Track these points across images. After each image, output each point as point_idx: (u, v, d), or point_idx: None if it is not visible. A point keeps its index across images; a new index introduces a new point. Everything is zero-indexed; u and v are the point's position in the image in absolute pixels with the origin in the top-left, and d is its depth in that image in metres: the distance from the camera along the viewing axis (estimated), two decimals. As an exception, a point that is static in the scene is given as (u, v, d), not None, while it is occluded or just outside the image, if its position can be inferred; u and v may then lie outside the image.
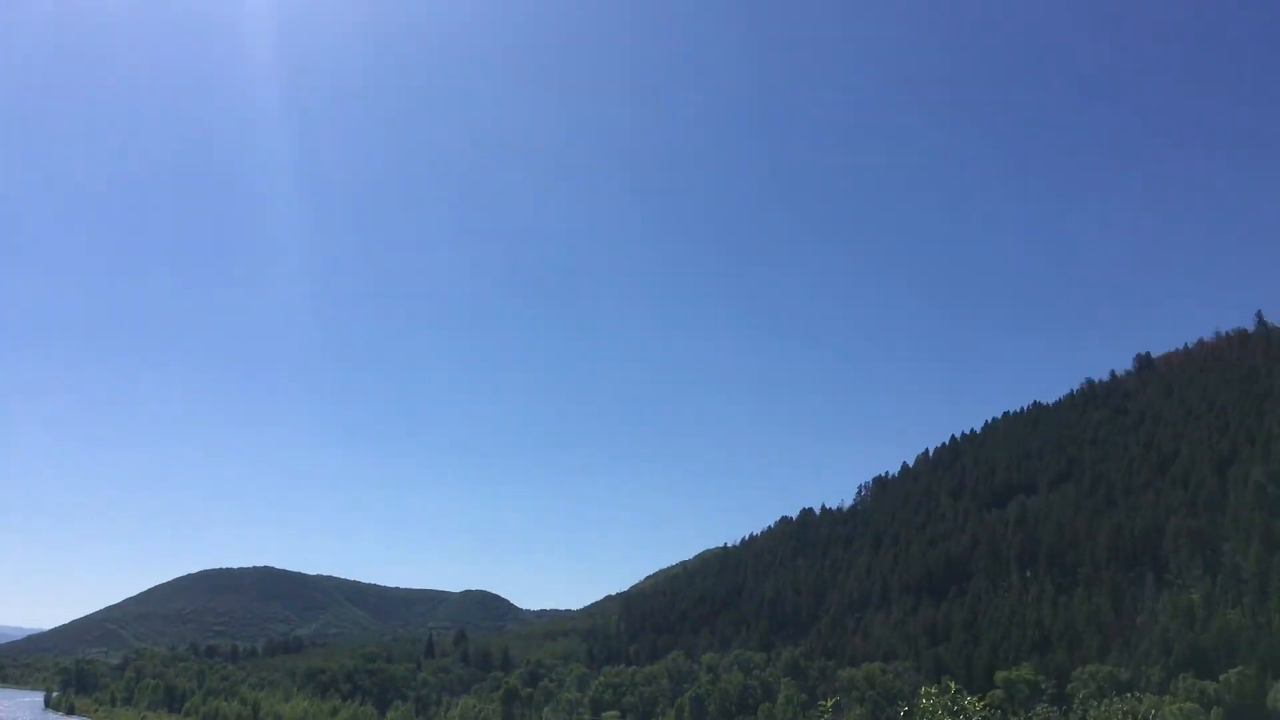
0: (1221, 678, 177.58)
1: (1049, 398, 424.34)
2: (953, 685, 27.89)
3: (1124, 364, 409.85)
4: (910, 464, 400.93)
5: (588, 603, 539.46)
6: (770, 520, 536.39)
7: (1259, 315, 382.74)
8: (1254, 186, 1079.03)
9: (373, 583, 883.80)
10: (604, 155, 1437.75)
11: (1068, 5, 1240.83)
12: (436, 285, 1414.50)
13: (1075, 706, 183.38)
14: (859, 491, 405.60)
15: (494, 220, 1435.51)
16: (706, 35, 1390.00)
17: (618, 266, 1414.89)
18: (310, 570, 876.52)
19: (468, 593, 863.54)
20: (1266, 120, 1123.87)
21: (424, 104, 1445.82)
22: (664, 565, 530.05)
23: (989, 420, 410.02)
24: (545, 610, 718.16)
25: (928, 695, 27.66)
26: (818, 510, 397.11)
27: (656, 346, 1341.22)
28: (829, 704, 34.58)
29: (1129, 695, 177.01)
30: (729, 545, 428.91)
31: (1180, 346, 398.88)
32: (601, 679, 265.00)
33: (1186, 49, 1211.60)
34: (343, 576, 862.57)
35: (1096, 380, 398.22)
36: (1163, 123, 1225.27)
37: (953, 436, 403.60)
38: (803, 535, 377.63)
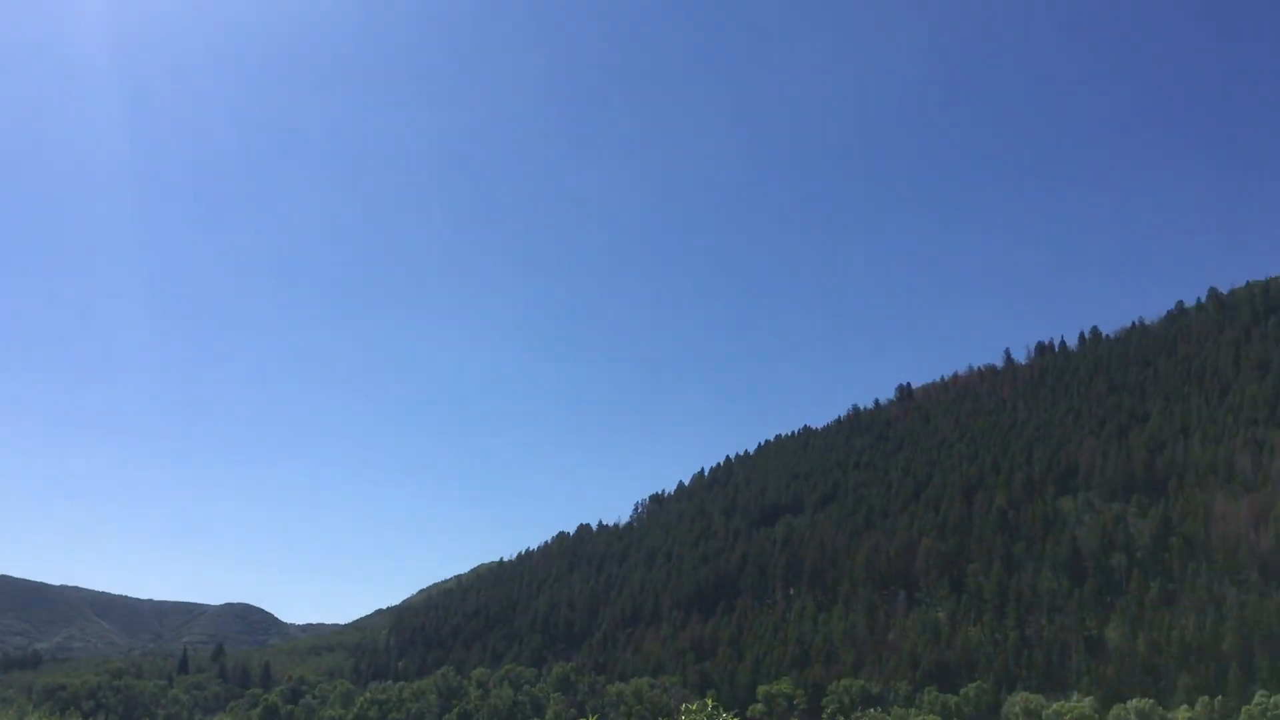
0: (962, 691, 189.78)
1: (819, 422, 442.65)
2: (710, 700, 28.51)
3: (888, 393, 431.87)
4: (686, 482, 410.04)
5: (356, 616, 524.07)
6: (547, 535, 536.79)
7: (1006, 353, 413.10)
8: (1001, 236, 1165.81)
9: (122, 594, 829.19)
10: (405, 157, 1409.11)
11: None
12: (223, 282, 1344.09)
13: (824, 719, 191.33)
14: (636, 508, 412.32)
15: (285, 216, 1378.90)
16: (505, 38, 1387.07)
17: (410, 271, 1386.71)
18: (53, 580, 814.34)
19: (227, 605, 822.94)
20: (1014, 182, 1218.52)
21: (269, 90, 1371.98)
22: (438, 579, 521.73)
23: (762, 442, 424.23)
24: (311, 624, 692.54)
25: (688, 712, 28.21)
26: (594, 526, 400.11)
27: (434, 354, 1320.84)
28: (593, 720, 34.71)
29: (875, 709, 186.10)
30: (505, 560, 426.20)
31: (938, 379, 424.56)
32: (367, 695, 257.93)
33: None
34: (88, 587, 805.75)
35: (862, 407, 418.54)
36: (922, 172, 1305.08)
37: (728, 457, 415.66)
38: (579, 550, 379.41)
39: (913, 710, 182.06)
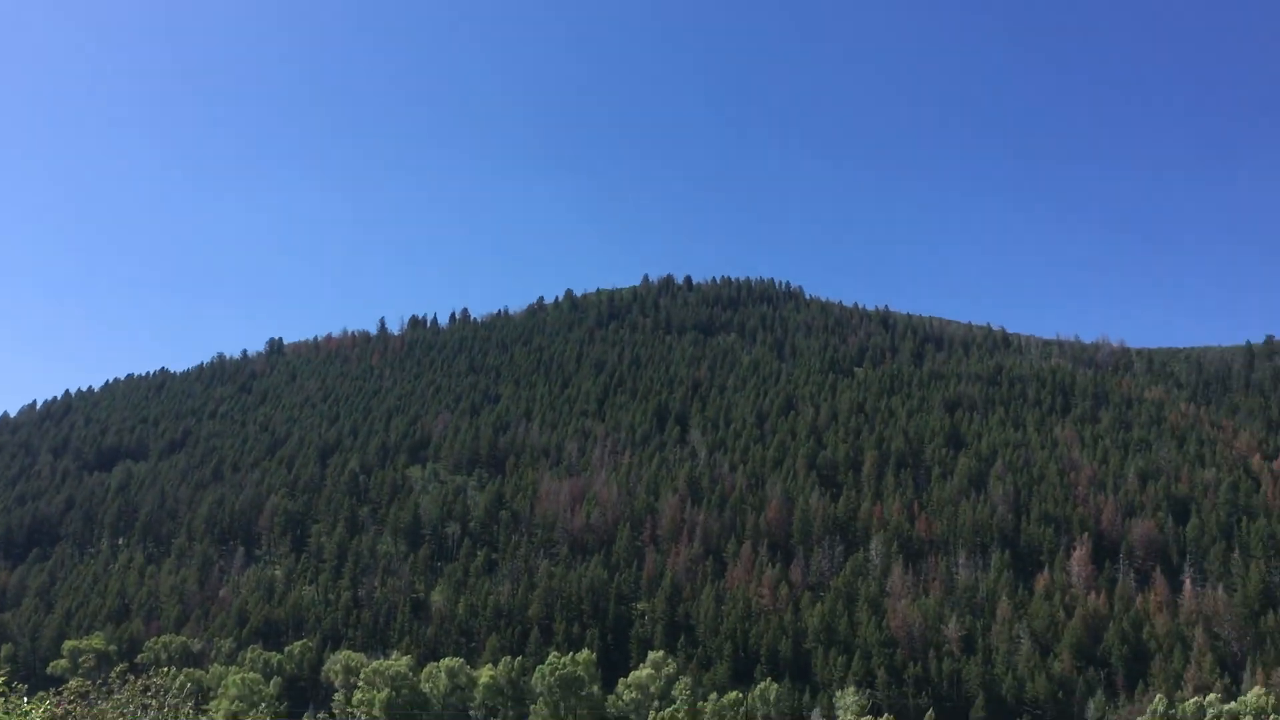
0: (286, 649, 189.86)
1: (179, 366, 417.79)
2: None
3: (257, 345, 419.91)
4: (13, 414, 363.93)
5: None
6: None
7: (381, 322, 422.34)
8: (378, 211, 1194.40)
9: None
10: None
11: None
12: None
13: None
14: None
15: None
16: None
17: None
18: None
19: None
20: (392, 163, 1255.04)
21: None
22: None
23: (110, 379, 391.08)
24: None
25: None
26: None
27: None
28: None
29: (192, 669, 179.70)
30: None
31: (311, 338, 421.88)
32: None
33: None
34: None
35: (229, 356, 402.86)
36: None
37: (67, 391, 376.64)
38: None
39: (233, 667, 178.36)
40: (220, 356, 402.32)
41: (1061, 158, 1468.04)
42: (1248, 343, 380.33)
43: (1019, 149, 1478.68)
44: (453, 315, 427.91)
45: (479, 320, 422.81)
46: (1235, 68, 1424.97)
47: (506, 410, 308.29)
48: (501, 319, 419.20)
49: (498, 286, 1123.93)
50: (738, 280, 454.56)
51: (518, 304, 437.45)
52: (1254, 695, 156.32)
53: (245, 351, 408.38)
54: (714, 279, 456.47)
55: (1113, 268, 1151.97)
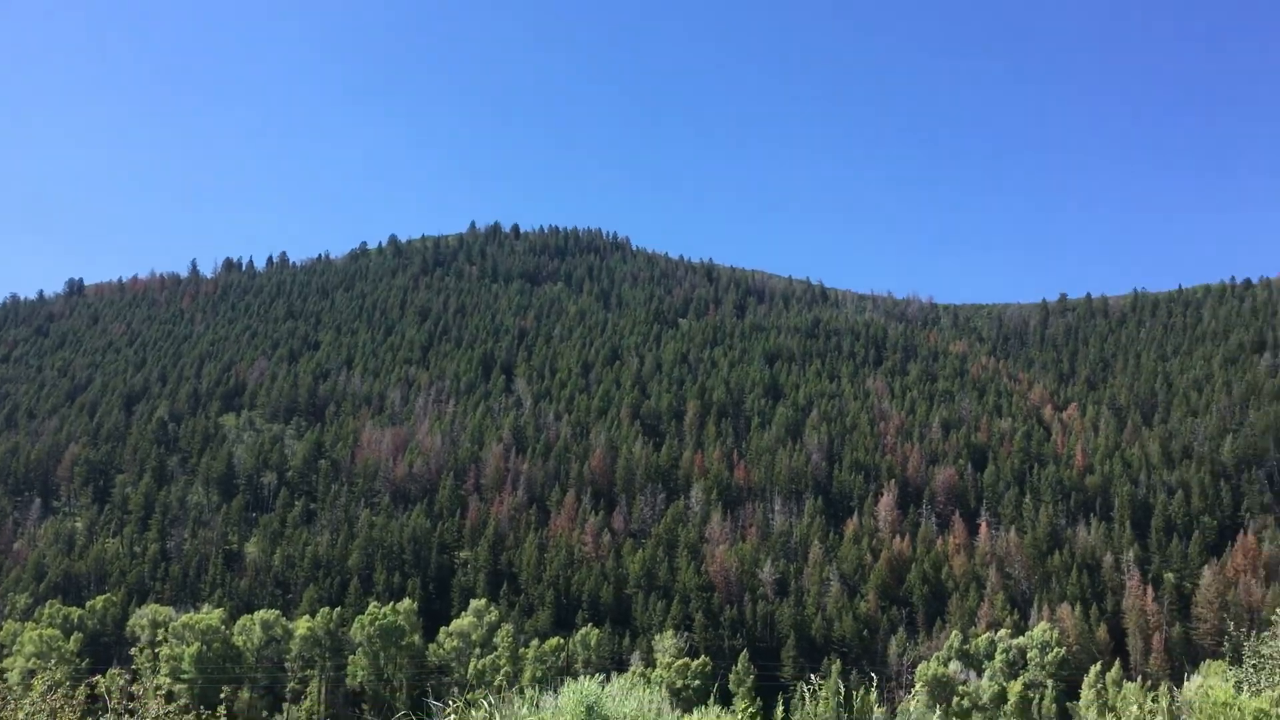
0: (89, 604, 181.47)
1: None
2: None
3: (56, 286, 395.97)
4: None
5: None
6: None
7: (193, 264, 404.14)
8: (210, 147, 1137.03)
9: None
10: None
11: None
12: None
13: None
14: None
15: None
16: None
17: None
18: None
19: None
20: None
21: None
22: None
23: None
24: None
25: None
26: None
27: None
28: None
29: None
30: None
31: (115, 279, 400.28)
32: None
33: None
34: None
35: (23, 297, 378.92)
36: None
37: None
38: None
39: (29, 624, 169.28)
40: (14, 297, 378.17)
41: (882, 119, 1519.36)
42: (1043, 300, 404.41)
43: (841, 111, 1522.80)
44: (270, 259, 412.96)
45: (298, 265, 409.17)
46: (1018, 27, 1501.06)
47: (326, 358, 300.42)
48: (322, 264, 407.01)
49: (318, 231, 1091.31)
50: (565, 230, 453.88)
51: (339, 249, 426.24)
52: (1040, 630, 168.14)
53: (42, 293, 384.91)
54: (541, 228, 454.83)
55: (926, 228, 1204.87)
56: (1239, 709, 13.11)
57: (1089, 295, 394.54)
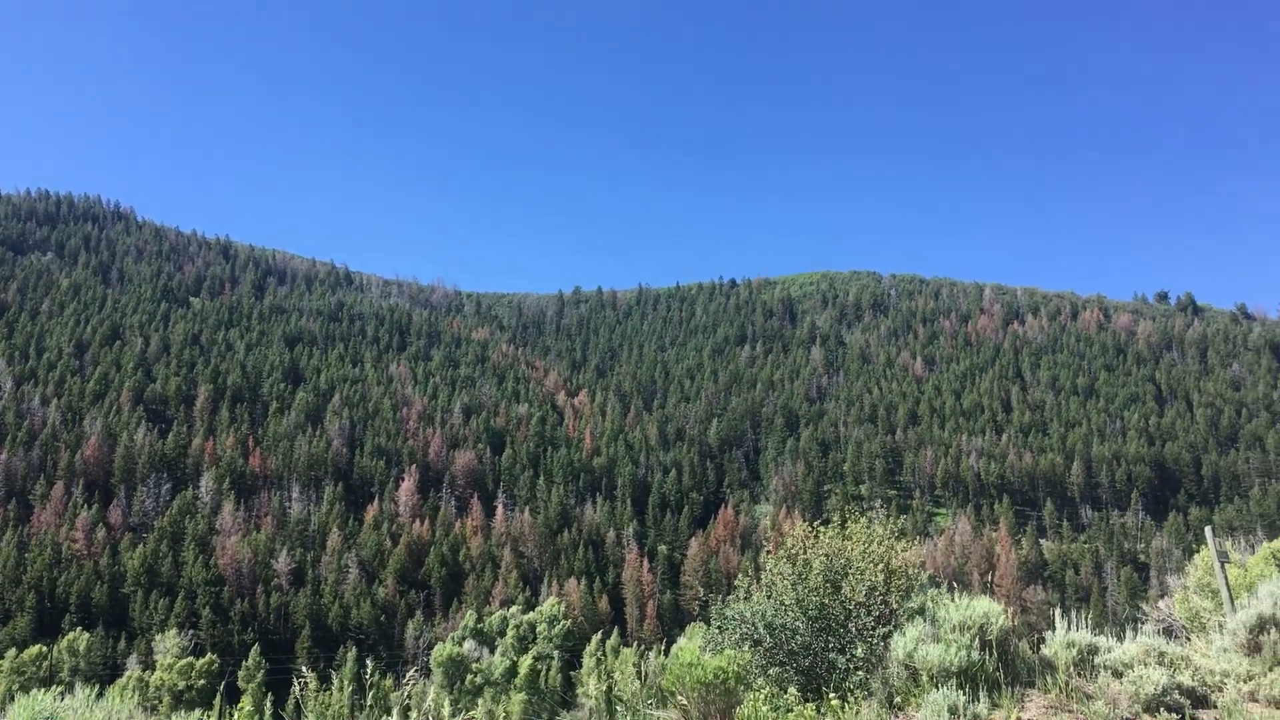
0: None
1: None
2: None
3: None
4: None
5: None
6: None
7: None
8: None
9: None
10: None
11: None
12: None
13: None
14: None
15: None
16: None
17: None
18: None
19: None
20: None
21: None
22: None
23: None
24: None
25: None
26: None
27: None
28: None
29: None
30: None
31: None
32: None
33: None
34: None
35: None
36: None
37: None
38: None
39: None
40: None
41: (411, 118, 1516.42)
42: (560, 291, 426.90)
43: (357, 108, 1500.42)
44: None
45: None
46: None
47: None
48: None
49: None
50: (57, 195, 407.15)
51: None
52: (549, 605, 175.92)
53: None
54: (28, 191, 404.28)
55: (450, 222, 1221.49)
56: (702, 667, 15.01)
57: (600, 288, 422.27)
